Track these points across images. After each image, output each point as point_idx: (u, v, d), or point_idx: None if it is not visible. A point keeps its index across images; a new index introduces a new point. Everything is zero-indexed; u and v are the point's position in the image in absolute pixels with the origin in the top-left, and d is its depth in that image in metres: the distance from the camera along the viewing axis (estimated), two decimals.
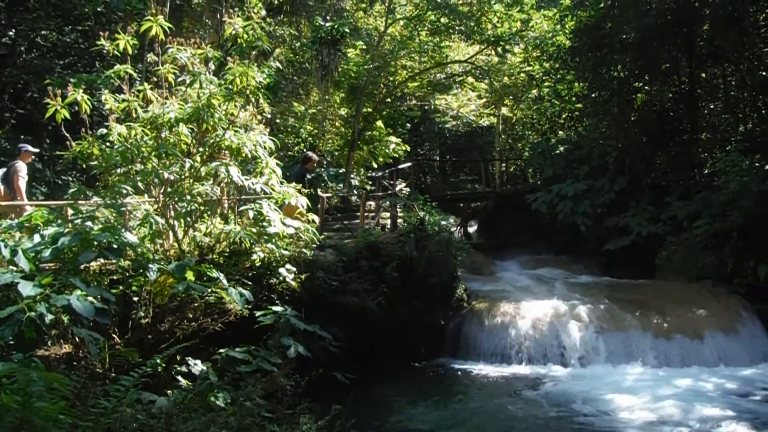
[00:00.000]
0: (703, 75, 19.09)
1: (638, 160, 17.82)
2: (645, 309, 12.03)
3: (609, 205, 17.50)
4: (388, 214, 14.96)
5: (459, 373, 11.05)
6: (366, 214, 15.21)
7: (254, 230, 9.40)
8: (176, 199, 7.86)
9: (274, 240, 9.29)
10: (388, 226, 14.30)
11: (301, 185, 10.74)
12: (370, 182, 21.02)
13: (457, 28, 20.07)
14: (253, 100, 8.72)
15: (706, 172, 17.77)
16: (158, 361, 5.48)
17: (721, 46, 16.90)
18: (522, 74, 23.74)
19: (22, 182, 9.98)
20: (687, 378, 10.14)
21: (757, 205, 13.21)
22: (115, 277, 6.93)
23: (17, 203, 9.40)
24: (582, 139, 20.45)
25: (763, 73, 16.92)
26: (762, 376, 10.33)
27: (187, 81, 8.23)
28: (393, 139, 21.17)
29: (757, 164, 14.02)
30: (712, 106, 19.56)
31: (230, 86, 8.18)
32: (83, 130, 7.75)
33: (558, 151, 20.12)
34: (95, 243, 6.02)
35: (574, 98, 22.23)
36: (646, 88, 19.82)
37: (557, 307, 12.25)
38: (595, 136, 19.72)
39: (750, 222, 13.33)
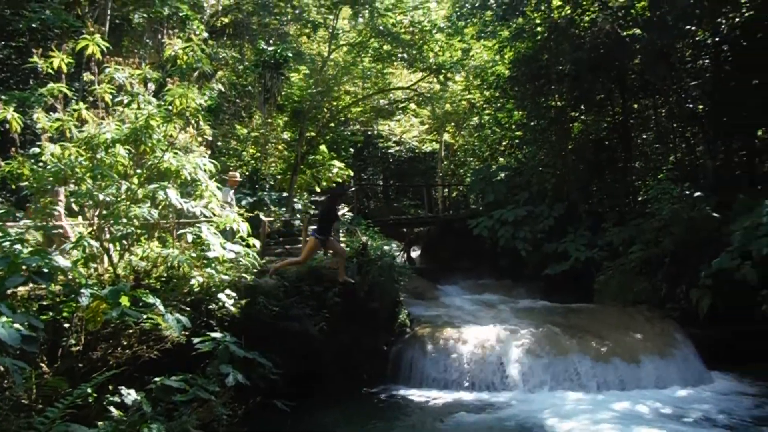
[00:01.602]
0: (636, 106, 19.88)
1: (575, 187, 18.33)
2: (584, 333, 12.25)
3: (548, 230, 17.88)
4: None
5: (401, 399, 10.97)
6: (308, 238, 15.07)
7: (193, 254, 9.20)
8: (112, 221, 7.62)
9: (213, 264, 9.08)
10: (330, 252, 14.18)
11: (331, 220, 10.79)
12: (313, 206, 20.91)
13: (399, 55, 20.34)
14: (193, 121, 8.57)
15: (639, 199, 18.41)
16: (88, 390, 5.25)
17: (651, 80, 17.62)
18: (463, 102, 24.20)
19: None
20: (625, 401, 10.33)
21: (687, 232, 13.71)
22: (44, 303, 6.64)
23: None
24: (522, 166, 20.90)
25: (690, 106, 17.72)
26: (695, 397, 10.63)
27: (125, 101, 8.03)
28: (336, 163, 21.17)
29: (686, 192, 14.59)
30: (644, 136, 20.35)
31: (169, 107, 8.02)
32: (13, 149, 7.46)
33: (499, 178, 20.50)
34: (23, 267, 5.75)
35: (513, 126, 22.78)
36: (583, 117, 20.49)
37: (499, 333, 12.34)
38: (534, 163, 20.20)
39: (681, 248, 13.81)
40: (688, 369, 11.70)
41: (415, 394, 11.13)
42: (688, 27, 16.03)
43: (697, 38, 16.68)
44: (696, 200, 14.07)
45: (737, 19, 15.79)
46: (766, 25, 14.96)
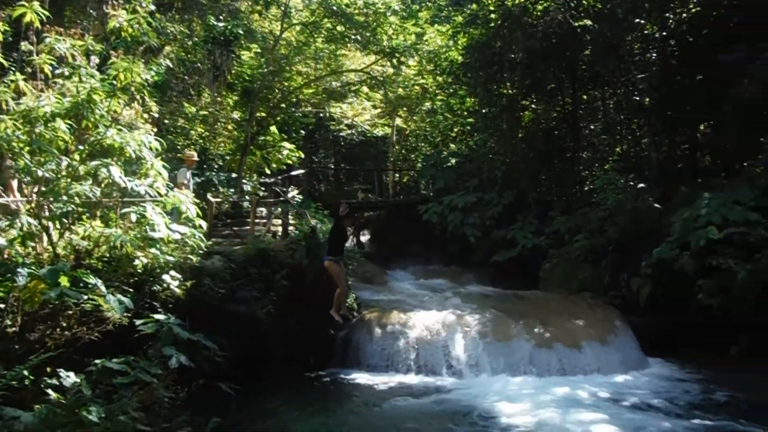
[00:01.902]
0: (585, 97, 20.22)
1: (525, 175, 18.59)
2: (528, 319, 12.47)
3: (497, 217, 18.11)
4: (279, 221, 14.71)
5: (348, 383, 10.99)
6: (257, 220, 14.91)
7: (137, 234, 8.97)
8: (51, 198, 7.34)
9: (158, 245, 8.89)
10: (279, 234, 14.06)
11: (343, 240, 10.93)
12: (263, 188, 20.65)
13: (353, 37, 20.16)
14: (138, 97, 8.34)
15: (586, 189, 18.79)
16: (24, 372, 5.06)
17: (601, 71, 17.95)
18: (416, 86, 24.20)
19: None
20: (566, 386, 10.56)
21: (631, 222, 14.08)
22: None
23: None
24: (473, 153, 21.08)
25: (637, 98, 18.13)
26: (633, 383, 10.95)
27: (66, 74, 7.73)
28: (287, 145, 20.91)
29: (631, 183, 14.96)
30: (592, 127, 20.73)
31: (113, 82, 7.77)
32: None
33: (450, 164, 20.64)
34: None
35: (465, 113, 22.93)
36: (534, 106, 20.75)
37: (446, 317, 12.46)
38: (485, 150, 20.40)
39: (624, 238, 14.19)
40: (627, 355, 12.04)
41: (362, 378, 11.16)
42: (637, 20, 16.34)
43: (646, 32, 17.03)
44: (640, 191, 14.45)
45: (684, 15, 16.18)
46: (711, 21, 15.36)
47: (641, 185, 14.68)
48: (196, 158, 13.06)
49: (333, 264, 11.05)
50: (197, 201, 12.25)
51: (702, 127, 17.68)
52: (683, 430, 8.44)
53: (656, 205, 14.10)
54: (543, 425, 8.47)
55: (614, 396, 10.06)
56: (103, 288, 7.19)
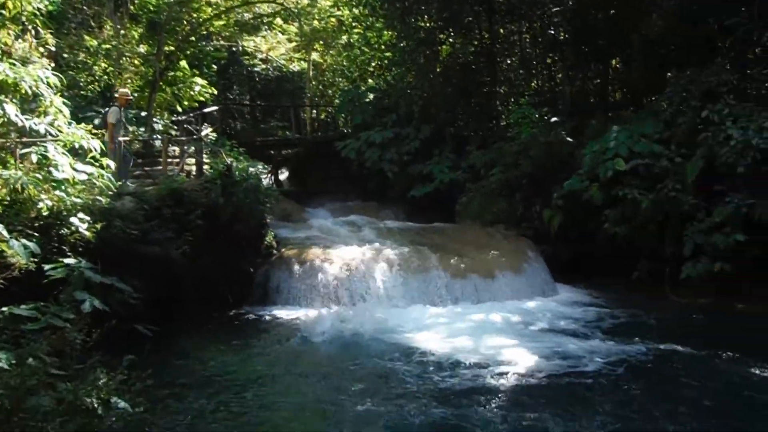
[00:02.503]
0: (502, 31, 20.29)
1: (442, 110, 18.69)
2: (444, 252, 12.81)
3: (414, 153, 18.22)
4: (193, 161, 14.30)
5: (267, 319, 11.01)
6: (170, 160, 14.44)
7: (39, 176, 8.54)
8: None
9: (63, 187, 8.51)
10: (194, 173, 13.68)
11: None
12: (175, 127, 19.90)
13: None
14: (31, 29, 7.78)
15: (502, 123, 19.13)
16: None
17: (517, 4, 18.03)
18: (332, 19, 23.64)
19: None
20: (480, 313, 11.01)
21: (544, 155, 14.50)
22: None
23: None
24: (390, 88, 20.93)
25: (552, 32, 18.39)
26: (542, 307, 11.54)
27: None
28: (198, 81, 20.09)
29: (545, 117, 15.33)
30: (509, 62, 20.92)
31: (2, 11, 7.19)
32: None
33: (367, 99, 20.47)
34: None
35: (383, 47, 22.63)
36: (451, 40, 20.67)
37: (364, 252, 12.61)
38: (402, 85, 20.30)
39: (537, 171, 14.62)
40: (537, 283, 12.63)
41: (282, 314, 11.21)
42: None
43: None
44: (553, 125, 14.85)
45: None
46: None
47: (555, 119, 15.07)
48: (129, 96, 12.50)
49: None
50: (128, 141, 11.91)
51: (613, 62, 18.19)
52: (587, 349, 8.96)
53: (568, 138, 14.56)
54: (457, 351, 8.80)
55: (525, 321, 10.57)
56: (5, 233, 6.85)
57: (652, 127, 12.74)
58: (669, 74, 14.02)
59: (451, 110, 19.49)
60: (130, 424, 4.38)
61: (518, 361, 8.31)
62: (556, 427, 6.33)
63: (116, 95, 12.38)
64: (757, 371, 7.84)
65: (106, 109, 12.39)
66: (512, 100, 19.87)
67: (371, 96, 20.63)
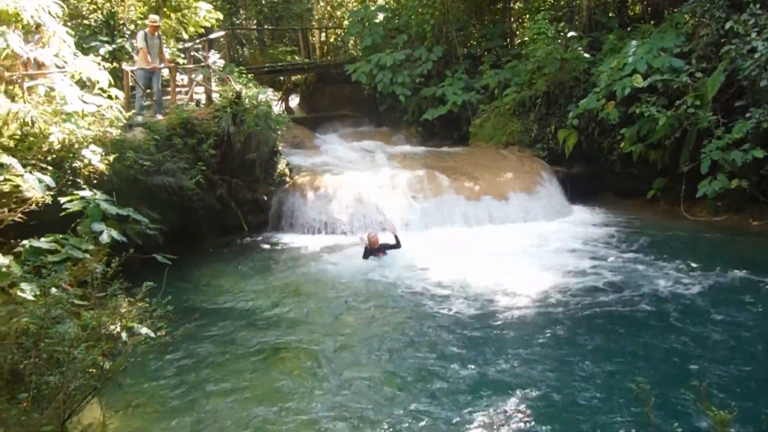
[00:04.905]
0: None
1: (454, 29, 18.16)
2: (458, 175, 12.75)
3: (426, 75, 17.85)
4: (201, 89, 14.12)
5: (282, 247, 11.12)
6: (178, 89, 14.26)
7: (48, 109, 8.49)
8: None
9: (73, 119, 8.45)
10: (203, 102, 13.53)
11: None
12: (181, 54, 19.57)
13: None
14: None
15: (517, 41, 18.59)
16: None
17: None
18: None
19: None
20: (494, 235, 11.09)
21: (559, 73, 14.17)
22: None
23: None
24: (400, 7, 20.29)
25: None
26: (556, 228, 11.56)
27: None
28: (203, 5, 19.57)
29: (561, 33, 14.86)
30: None
31: None
32: None
33: (377, 20, 19.89)
34: None
35: None
36: None
37: (377, 177, 12.59)
38: (413, 3, 19.65)
39: (552, 90, 14.33)
40: (552, 204, 12.59)
41: (296, 241, 11.32)
42: None
43: None
44: (570, 41, 14.41)
45: None
46: None
47: (571, 34, 14.61)
48: (158, 23, 12.32)
49: None
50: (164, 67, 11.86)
51: None
52: (600, 266, 9.04)
53: (585, 54, 14.17)
54: (471, 273, 8.85)
55: (539, 242, 10.61)
56: (19, 167, 6.88)
57: (673, 41, 12.31)
58: None
59: (464, 29, 18.94)
60: (152, 348, 4.49)
61: (531, 283, 8.34)
62: (571, 346, 6.43)
63: (147, 22, 12.32)
64: None
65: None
66: (527, 16, 19.22)
67: (381, 16, 20.03)
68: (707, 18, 11.89)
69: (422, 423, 4.93)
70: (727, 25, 11.25)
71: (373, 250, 9.77)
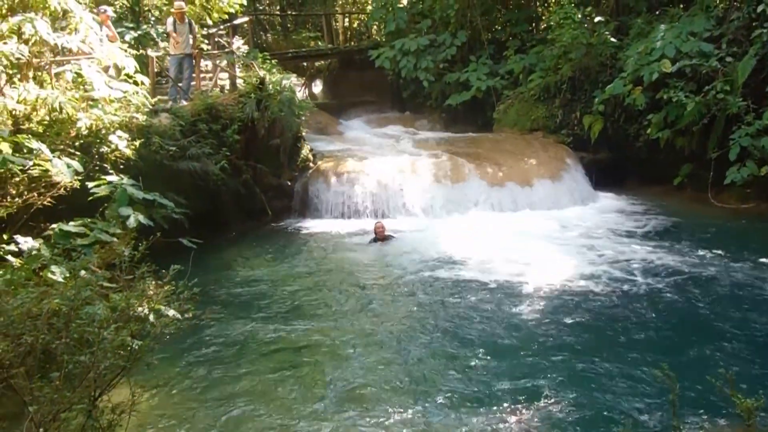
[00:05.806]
0: None
1: (479, 13, 18.00)
2: (481, 161, 12.69)
3: (450, 60, 17.76)
4: (226, 75, 14.18)
5: (305, 231, 11.19)
6: (202, 75, 14.34)
7: (76, 95, 8.60)
8: None
9: (100, 105, 8.56)
10: (227, 87, 13.60)
11: None
12: (205, 40, 19.66)
13: None
14: None
15: (542, 26, 18.36)
16: None
17: None
18: None
19: None
20: (518, 221, 11.03)
21: (585, 58, 14.00)
22: None
23: None
24: None
25: None
26: (581, 215, 11.47)
27: None
28: None
29: (587, 17, 14.65)
30: None
31: None
32: None
33: (401, 5, 19.80)
34: None
35: None
36: None
37: (401, 163, 12.58)
38: None
39: (578, 75, 14.16)
40: (576, 190, 12.48)
41: (320, 226, 11.38)
42: None
43: None
44: (596, 25, 14.21)
45: None
46: None
47: (598, 18, 14.40)
48: (185, 8, 12.42)
49: None
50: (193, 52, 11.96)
51: None
52: (625, 253, 8.96)
53: (612, 39, 13.97)
54: (495, 258, 8.84)
55: (563, 229, 10.53)
56: (48, 152, 6.98)
57: (702, 25, 12.04)
58: None
59: (488, 13, 18.75)
60: (180, 330, 4.56)
61: (555, 269, 8.29)
62: (594, 333, 6.41)
63: (173, 9, 12.44)
64: None
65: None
66: (553, 0, 18.98)
67: (405, 1, 19.92)
68: (738, 1, 11.64)
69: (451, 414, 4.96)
70: (759, 8, 10.99)
71: (379, 238, 9.99)
